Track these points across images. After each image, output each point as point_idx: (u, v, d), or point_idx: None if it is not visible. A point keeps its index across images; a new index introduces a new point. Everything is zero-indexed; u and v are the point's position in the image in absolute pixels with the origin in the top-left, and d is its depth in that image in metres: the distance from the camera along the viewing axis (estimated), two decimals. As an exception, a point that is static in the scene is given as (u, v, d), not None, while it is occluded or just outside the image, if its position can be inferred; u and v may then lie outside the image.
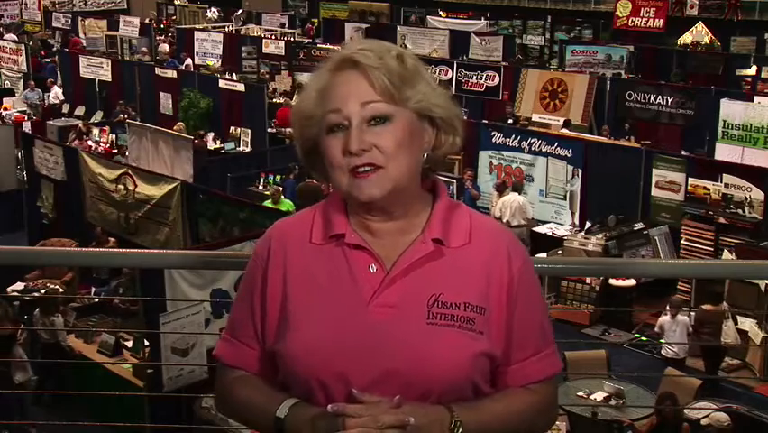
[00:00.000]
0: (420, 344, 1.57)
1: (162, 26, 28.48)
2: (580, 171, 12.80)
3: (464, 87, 18.54)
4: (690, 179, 11.76)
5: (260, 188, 14.04)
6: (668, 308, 9.46)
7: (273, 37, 24.04)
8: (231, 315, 1.80)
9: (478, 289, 1.62)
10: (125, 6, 32.90)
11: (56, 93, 19.91)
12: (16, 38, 24.63)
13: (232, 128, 16.28)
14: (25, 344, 8.38)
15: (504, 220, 11.84)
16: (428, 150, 1.65)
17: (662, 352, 9.48)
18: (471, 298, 1.61)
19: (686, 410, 7.54)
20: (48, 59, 23.25)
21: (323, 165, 1.65)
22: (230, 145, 15.95)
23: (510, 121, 16.55)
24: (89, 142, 15.72)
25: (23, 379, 8.18)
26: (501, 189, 12.97)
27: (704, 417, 7.30)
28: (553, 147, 13.23)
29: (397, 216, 1.64)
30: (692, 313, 9.60)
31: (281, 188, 12.36)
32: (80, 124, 16.44)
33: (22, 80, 20.66)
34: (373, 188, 1.58)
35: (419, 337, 1.58)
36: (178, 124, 15.99)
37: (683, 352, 9.28)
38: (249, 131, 15.92)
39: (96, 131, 16.34)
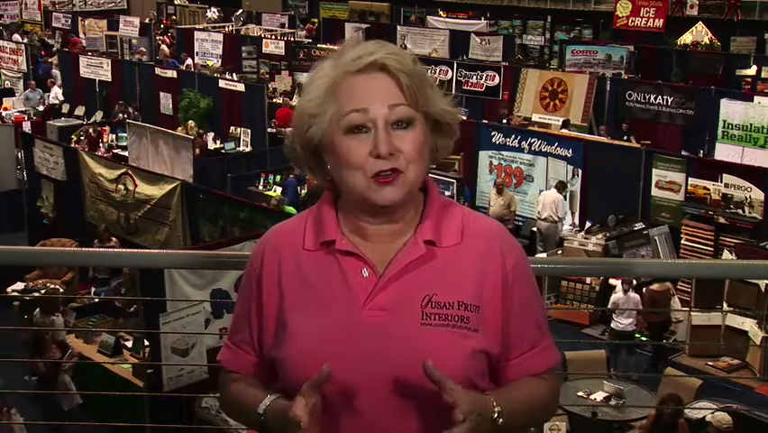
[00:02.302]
0: (415, 345, 1.58)
1: (162, 26, 28.47)
2: (580, 171, 12.81)
3: (464, 87, 18.55)
4: (690, 179, 11.77)
5: (260, 187, 14.05)
6: (620, 284, 9.96)
7: (273, 37, 24.03)
8: (232, 319, 1.82)
9: (471, 287, 1.62)
10: (125, 6, 32.87)
11: (56, 93, 19.88)
12: (20, 38, 24.66)
13: (232, 128, 16.27)
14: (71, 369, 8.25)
15: (539, 212, 12.57)
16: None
17: (611, 326, 10.00)
18: (465, 296, 1.61)
19: (686, 410, 7.54)
20: (49, 60, 23.20)
21: (321, 164, 1.65)
22: (230, 145, 15.96)
23: (504, 121, 16.55)
24: (100, 146, 15.71)
25: (70, 406, 8.11)
26: (499, 189, 13.02)
27: (708, 414, 7.30)
28: (553, 147, 13.24)
29: (396, 218, 1.64)
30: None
31: (283, 198, 12.42)
32: (91, 130, 16.33)
33: (22, 80, 20.66)
34: (393, 192, 1.58)
35: (414, 339, 1.58)
36: (189, 123, 16.00)
37: (632, 326, 9.92)
38: (249, 131, 15.91)
39: (112, 137, 16.31)
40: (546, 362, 1.72)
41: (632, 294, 9.88)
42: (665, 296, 9.88)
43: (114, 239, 10.83)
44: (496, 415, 1.56)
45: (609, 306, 10.14)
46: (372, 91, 1.58)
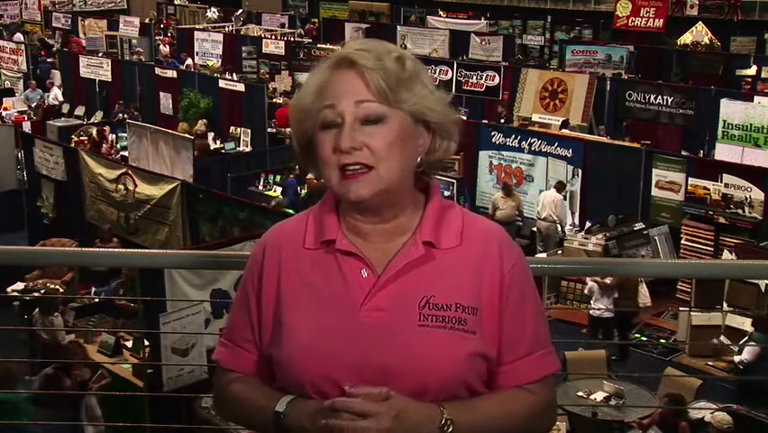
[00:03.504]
0: (412, 346, 1.58)
1: (162, 26, 28.46)
2: (580, 171, 12.80)
3: (464, 87, 18.55)
4: (690, 179, 11.76)
5: (260, 187, 14.05)
6: None
7: (273, 37, 24.03)
8: (229, 318, 1.80)
9: (469, 289, 1.62)
10: (125, 6, 32.85)
11: (56, 94, 19.85)
12: (22, 38, 24.63)
13: (232, 128, 16.28)
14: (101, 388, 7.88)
15: (539, 212, 12.57)
16: (422, 153, 1.65)
17: (590, 312, 10.14)
18: (463, 298, 1.61)
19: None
20: (50, 59, 23.19)
21: (316, 161, 1.66)
22: (230, 145, 15.96)
23: (503, 121, 16.54)
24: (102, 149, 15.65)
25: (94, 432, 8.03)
26: (508, 191, 12.94)
27: (708, 414, 7.30)
28: (553, 147, 13.24)
29: (388, 217, 1.65)
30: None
31: (283, 200, 12.44)
32: (94, 133, 16.25)
33: (22, 80, 20.66)
34: (362, 188, 1.58)
35: (411, 339, 1.58)
36: (201, 121, 15.98)
37: (608, 313, 10.01)
38: (249, 131, 15.91)
39: (112, 137, 16.27)
40: (540, 370, 1.67)
41: (608, 280, 9.97)
42: (633, 283, 9.96)
43: (114, 239, 10.83)
44: (442, 423, 1.55)
45: (586, 291, 10.33)
46: (341, 87, 1.59)
